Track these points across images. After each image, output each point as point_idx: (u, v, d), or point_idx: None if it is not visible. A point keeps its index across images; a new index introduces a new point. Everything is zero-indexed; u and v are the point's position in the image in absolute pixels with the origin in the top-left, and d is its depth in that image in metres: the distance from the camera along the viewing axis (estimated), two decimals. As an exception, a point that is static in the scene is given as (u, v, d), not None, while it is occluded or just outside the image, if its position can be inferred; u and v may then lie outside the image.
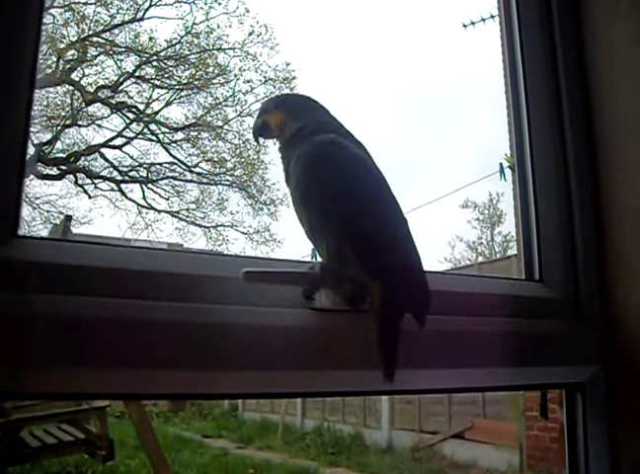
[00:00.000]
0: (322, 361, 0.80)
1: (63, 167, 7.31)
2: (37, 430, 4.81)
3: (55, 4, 6.86)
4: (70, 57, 7.23)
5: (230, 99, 7.80)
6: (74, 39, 7.12)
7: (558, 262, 1.11)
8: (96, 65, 7.40)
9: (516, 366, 0.98)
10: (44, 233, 7.12)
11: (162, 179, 7.80)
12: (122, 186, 7.65)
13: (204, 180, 7.91)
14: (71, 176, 7.35)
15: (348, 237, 0.78)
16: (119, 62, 7.50)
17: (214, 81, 7.77)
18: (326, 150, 0.82)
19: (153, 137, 7.78)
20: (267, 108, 0.93)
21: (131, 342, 0.69)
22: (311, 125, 0.86)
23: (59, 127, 7.21)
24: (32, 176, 6.45)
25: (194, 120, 7.80)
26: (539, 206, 1.13)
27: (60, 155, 7.30)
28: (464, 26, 6.48)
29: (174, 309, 0.73)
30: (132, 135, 7.73)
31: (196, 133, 7.88)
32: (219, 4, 7.46)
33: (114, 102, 7.50)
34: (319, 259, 0.83)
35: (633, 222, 1.07)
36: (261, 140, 0.96)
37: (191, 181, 7.87)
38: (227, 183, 7.95)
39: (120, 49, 7.47)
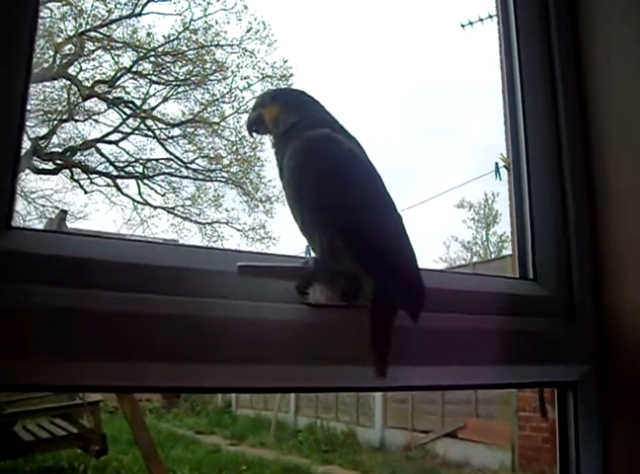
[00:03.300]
0: (315, 357, 0.80)
1: (59, 162, 7.31)
2: (30, 424, 4.82)
3: (53, -2, 6.85)
4: (67, 52, 7.22)
5: (227, 95, 7.81)
6: (71, 33, 7.12)
7: (552, 261, 1.11)
8: (93, 60, 7.41)
9: (508, 364, 0.98)
10: (40, 228, 7.11)
11: (158, 175, 7.82)
12: (118, 181, 7.67)
13: (200, 176, 7.92)
14: (67, 171, 7.36)
15: (340, 231, 0.78)
16: (116, 57, 7.51)
17: (212, 77, 7.78)
18: (319, 145, 0.82)
19: (150, 133, 7.79)
20: (263, 101, 0.92)
21: (126, 334, 0.69)
22: (306, 120, 0.86)
23: (56, 122, 7.21)
24: (27, 170, 6.44)
25: (190, 117, 7.80)
26: (534, 205, 1.13)
27: (56, 150, 7.30)
28: (462, 26, 6.50)
29: (168, 302, 0.73)
30: (129, 131, 7.74)
31: (192, 130, 7.88)
32: (217, 0, 7.47)
33: (110, 97, 7.50)
34: (313, 255, 0.83)
35: (628, 223, 1.07)
36: (254, 135, 0.96)
37: (186, 177, 7.88)
38: (223, 179, 7.97)
39: (117, 45, 7.47)
